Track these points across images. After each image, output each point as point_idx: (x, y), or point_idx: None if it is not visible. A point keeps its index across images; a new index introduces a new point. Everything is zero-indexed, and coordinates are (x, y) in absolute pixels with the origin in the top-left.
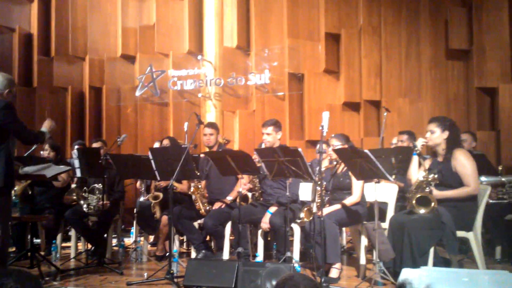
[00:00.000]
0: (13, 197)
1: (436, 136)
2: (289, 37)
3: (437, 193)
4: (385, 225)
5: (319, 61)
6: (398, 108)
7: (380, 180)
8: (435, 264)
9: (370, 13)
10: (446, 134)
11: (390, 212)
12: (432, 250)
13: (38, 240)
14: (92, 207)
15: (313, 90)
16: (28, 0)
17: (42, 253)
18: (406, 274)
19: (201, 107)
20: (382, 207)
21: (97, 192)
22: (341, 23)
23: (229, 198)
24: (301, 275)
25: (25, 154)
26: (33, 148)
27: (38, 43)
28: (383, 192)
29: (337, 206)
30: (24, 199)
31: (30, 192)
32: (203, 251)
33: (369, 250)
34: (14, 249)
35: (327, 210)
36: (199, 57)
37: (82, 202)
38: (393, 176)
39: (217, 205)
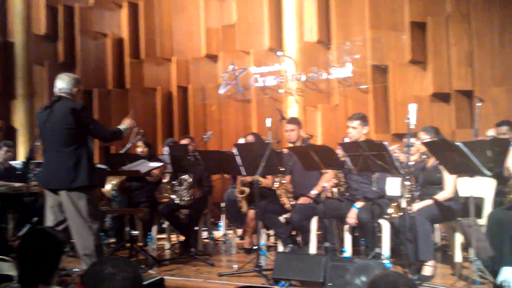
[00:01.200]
0: (113, 191)
1: None
2: (371, 28)
3: None
4: (482, 221)
5: (404, 51)
6: (493, 97)
7: (475, 174)
8: None
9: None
10: None
11: (487, 208)
12: None
13: (136, 232)
14: (183, 199)
15: (398, 81)
16: (118, 6)
17: (140, 244)
18: (507, 273)
19: (283, 102)
20: (478, 202)
21: (184, 183)
22: (427, 11)
23: (314, 192)
24: (396, 273)
25: (122, 151)
26: (128, 146)
27: (129, 46)
28: (479, 186)
29: (428, 202)
30: (122, 193)
31: (128, 187)
32: (290, 245)
33: (465, 247)
34: (114, 240)
35: (418, 205)
36: (280, 53)
37: (174, 196)
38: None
39: (302, 200)
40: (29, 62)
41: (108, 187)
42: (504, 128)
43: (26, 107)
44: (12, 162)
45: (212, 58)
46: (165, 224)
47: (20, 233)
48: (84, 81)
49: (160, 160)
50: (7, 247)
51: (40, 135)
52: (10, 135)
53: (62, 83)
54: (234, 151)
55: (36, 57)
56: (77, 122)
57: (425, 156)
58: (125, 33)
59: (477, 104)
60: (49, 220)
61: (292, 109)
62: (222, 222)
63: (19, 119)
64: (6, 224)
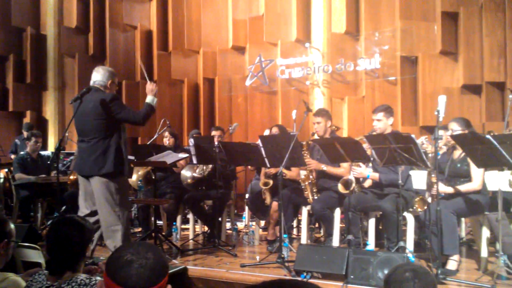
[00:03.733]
0: (139, 182)
1: None
2: (402, 19)
3: None
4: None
5: (435, 42)
6: None
7: (504, 168)
8: None
9: None
10: None
11: None
12: None
13: (161, 222)
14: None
15: (427, 73)
16: None
17: (164, 233)
18: None
19: (309, 94)
20: (507, 197)
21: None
22: (459, 1)
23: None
24: (417, 264)
25: (148, 143)
26: (155, 137)
27: (157, 38)
28: (507, 180)
29: (449, 190)
30: (148, 183)
31: (153, 177)
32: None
33: (491, 242)
34: (140, 229)
35: (445, 189)
36: (307, 44)
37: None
38: None
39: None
40: (60, 54)
41: (134, 177)
42: None
43: (56, 98)
44: (42, 152)
45: (239, 50)
46: (190, 215)
47: (49, 222)
48: None
49: (186, 151)
50: (36, 235)
51: (75, 125)
52: (41, 125)
53: (97, 75)
54: (259, 142)
55: (67, 50)
56: (107, 112)
57: (444, 147)
58: (154, 26)
59: (509, 96)
60: (82, 207)
61: (318, 101)
62: (246, 214)
63: (49, 110)
64: (35, 213)
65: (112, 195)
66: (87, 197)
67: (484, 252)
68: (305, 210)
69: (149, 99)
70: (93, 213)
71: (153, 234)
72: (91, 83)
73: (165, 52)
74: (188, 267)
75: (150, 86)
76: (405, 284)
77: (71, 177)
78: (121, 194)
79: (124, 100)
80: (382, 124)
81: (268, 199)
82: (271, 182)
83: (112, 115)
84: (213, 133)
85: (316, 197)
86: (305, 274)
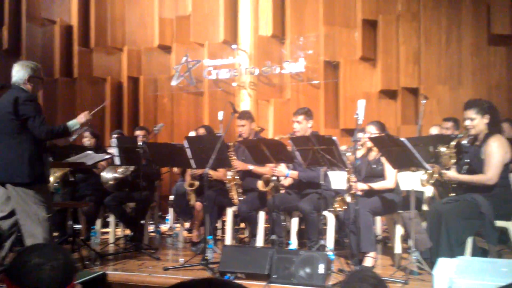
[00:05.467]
0: (55, 184)
1: (477, 122)
2: (325, 25)
3: (451, 174)
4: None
5: (356, 48)
6: (438, 95)
7: (417, 169)
8: (473, 255)
9: None
10: (487, 118)
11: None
12: (470, 240)
13: (79, 226)
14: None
15: (349, 78)
16: None
17: (83, 238)
18: (443, 264)
19: (236, 96)
20: (419, 196)
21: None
22: (378, 9)
23: (251, 167)
24: (368, 269)
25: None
26: (74, 137)
27: (78, 34)
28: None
29: (364, 186)
30: (65, 185)
31: (71, 179)
32: None
33: (405, 239)
34: (56, 234)
35: (360, 185)
36: (234, 46)
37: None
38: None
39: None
40: None
41: (50, 179)
42: (449, 124)
43: None
44: None
45: (165, 49)
46: (110, 218)
47: None
48: None
49: (107, 152)
50: None
51: None
52: None
53: (16, 74)
54: (185, 143)
55: None
56: (15, 113)
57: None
58: (74, 21)
59: (422, 101)
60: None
61: (245, 102)
62: (170, 216)
63: None
64: None
65: (31, 201)
66: (1, 199)
67: (398, 249)
68: (230, 211)
69: (71, 122)
70: (10, 214)
71: (70, 238)
72: (12, 82)
73: (86, 49)
74: (107, 272)
75: (83, 114)
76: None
77: None
78: (41, 199)
79: (41, 98)
80: (301, 126)
81: (193, 200)
82: (196, 183)
83: (20, 116)
84: (137, 133)
85: (241, 198)
86: (229, 275)
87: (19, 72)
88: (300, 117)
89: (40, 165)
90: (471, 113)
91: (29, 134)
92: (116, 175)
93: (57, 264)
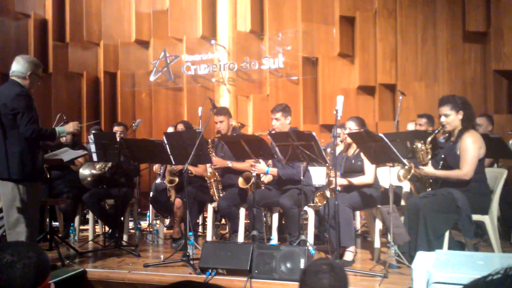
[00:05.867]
0: None
1: (452, 119)
2: (303, 21)
3: (428, 170)
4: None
5: (333, 45)
6: (414, 91)
7: (394, 164)
8: (450, 248)
9: None
10: (461, 114)
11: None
12: (447, 234)
13: (57, 223)
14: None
15: (327, 74)
16: None
17: (61, 235)
18: (421, 257)
19: (215, 91)
20: (397, 191)
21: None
22: (355, 6)
23: (229, 164)
24: (332, 260)
25: None
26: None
27: (53, 28)
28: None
29: (344, 181)
30: (42, 182)
31: (48, 176)
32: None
33: (384, 233)
34: None
35: (339, 181)
36: (213, 41)
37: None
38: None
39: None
40: None
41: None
42: (423, 120)
43: None
44: None
45: (143, 44)
46: (89, 215)
47: None
48: (3, 64)
49: (84, 148)
50: None
51: None
52: None
53: (16, 66)
54: (164, 139)
55: None
56: (9, 108)
57: (341, 144)
58: (49, 15)
59: (399, 98)
60: None
61: (224, 98)
62: (150, 212)
63: None
64: None
65: (17, 198)
66: None
67: (377, 243)
68: (210, 207)
69: (60, 128)
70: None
71: (48, 236)
72: (10, 73)
73: (61, 43)
74: (87, 269)
75: (72, 124)
76: (321, 275)
77: None
78: (29, 197)
79: None
80: (280, 123)
81: (173, 197)
82: (176, 179)
83: (11, 110)
84: (115, 129)
85: (221, 195)
86: (210, 271)
87: (20, 66)
88: (278, 114)
89: (31, 162)
90: (446, 110)
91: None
92: (94, 171)
93: (29, 262)
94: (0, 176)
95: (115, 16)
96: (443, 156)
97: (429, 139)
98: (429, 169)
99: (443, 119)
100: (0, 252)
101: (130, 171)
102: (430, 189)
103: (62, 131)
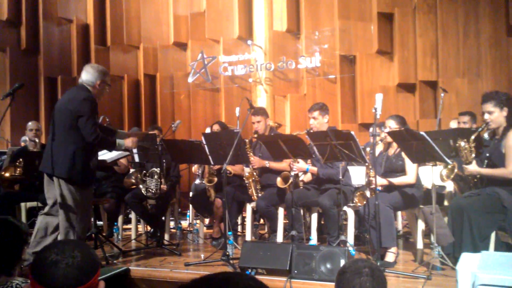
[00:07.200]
0: None
1: (496, 116)
2: (340, 19)
3: (472, 168)
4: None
5: (372, 42)
6: (456, 88)
7: (437, 163)
8: (496, 249)
9: None
10: (505, 111)
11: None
12: (493, 235)
13: (101, 222)
14: (150, 190)
15: (365, 72)
16: None
17: (105, 234)
18: (466, 259)
19: (252, 92)
20: (440, 190)
21: (155, 176)
22: (394, 2)
23: (267, 164)
24: (373, 263)
25: None
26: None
27: (95, 33)
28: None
29: (384, 181)
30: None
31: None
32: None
33: (427, 234)
34: None
35: (380, 181)
36: (249, 42)
37: (141, 186)
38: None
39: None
40: None
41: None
42: (466, 118)
43: None
44: None
45: (181, 46)
46: (132, 215)
47: None
48: (48, 68)
49: (126, 150)
50: None
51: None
52: None
53: (86, 75)
54: (202, 140)
55: None
56: (73, 110)
57: (381, 143)
58: (90, 19)
59: (441, 94)
60: (47, 199)
61: (261, 98)
62: (190, 212)
63: None
64: None
65: (69, 197)
66: (50, 194)
67: (419, 244)
68: (249, 207)
69: (120, 141)
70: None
71: (93, 235)
72: (79, 81)
73: (103, 47)
74: (130, 268)
75: (131, 140)
76: (362, 278)
77: (6, 174)
78: (79, 197)
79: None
80: (317, 122)
81: (212, 196)
82: (215, 179)
83: (75, 113)
84: (150, 133)
85: (260, 194)
86: (249, 270)
87: (90, 75)
88: (315, 113)
89: (83, 164)
90: (489, 107)
91: (80, 132)
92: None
93: (72, 261)
94: (53, 173)
95: (154, 19)
96: (488, 154)
97: (473, 137)
98: (473, 168)
99: (486, 116)
100: (47, 251)
101: (176, 178)
102: (474, 188)
103: (122, 144)
